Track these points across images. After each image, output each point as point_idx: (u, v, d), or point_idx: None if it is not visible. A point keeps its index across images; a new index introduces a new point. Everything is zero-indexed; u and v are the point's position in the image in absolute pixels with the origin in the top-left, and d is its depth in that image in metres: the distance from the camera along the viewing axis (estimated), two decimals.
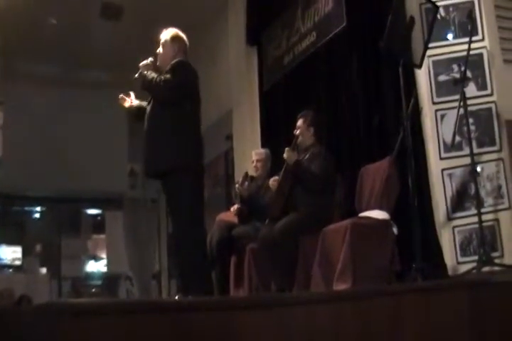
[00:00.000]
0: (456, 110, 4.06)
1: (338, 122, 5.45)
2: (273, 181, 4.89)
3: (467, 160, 4.18)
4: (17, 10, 7.69)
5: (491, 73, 4.44)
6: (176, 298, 4.48)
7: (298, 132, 4.83)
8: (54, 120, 10.15)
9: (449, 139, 4.30)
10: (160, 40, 4.34)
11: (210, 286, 4.05)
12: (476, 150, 4.18)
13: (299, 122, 4.88)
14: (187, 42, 4.37)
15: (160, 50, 4.32)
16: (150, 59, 4.27)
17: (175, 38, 4.33)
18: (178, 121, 4.04)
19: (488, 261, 3.77)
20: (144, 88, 4.17)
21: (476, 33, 4.47)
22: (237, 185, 5.56)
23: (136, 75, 4.19)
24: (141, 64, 4.21)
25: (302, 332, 1.95)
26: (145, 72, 4.13)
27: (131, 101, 4.45)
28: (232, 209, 5.59)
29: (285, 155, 4.64)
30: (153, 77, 4.07)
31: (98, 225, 11.39)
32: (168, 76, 4.04)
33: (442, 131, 4.46)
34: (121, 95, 4.48)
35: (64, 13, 8.12)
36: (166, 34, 4.34)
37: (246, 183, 5.54)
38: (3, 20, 7.90)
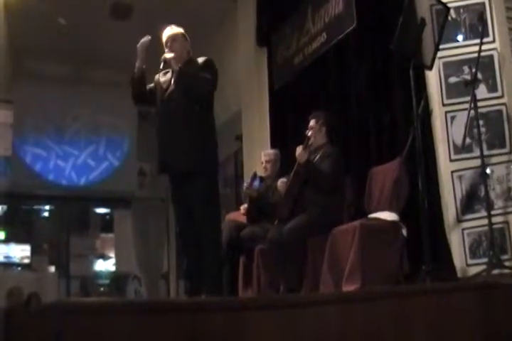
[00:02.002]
0: (466, 112, 4.05)
1: (348, 123, 5.45)
2: (281, 183, 4.90)
3: (477, 162, 4.18)
4: (27, 9, 7.72)
5: (502, 75, 4.42)
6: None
7: (310, 133, 4.83)
8: (64, 119, 10.21)
9: (459, 141, 4.29)
10: (170, 36, 4.24)
11: (220, 287, 4.06)
12: (486, 152, 4.17)
13: (312, 122, 4.88)
14: None
15: (170, 44, 4.21)
16: (170, 51, 4.16)
17: (185, 36, 4.32)
18: (204, 120, 4.06)
19: (497, 263, 3.75)
20: (183, 82, 4.08)
21: (487, 35, 4.45)
22: (245, 185, 5.56)
23: (161, 66, 4.11)
24: (168, 56, 4.08)
25: (311, 332, 1.95)
26: (180, 66, 4.05)
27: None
28: (241, 207, 5.61)
29: (297, 154, 4.64)
30: (194, 73, 4.05)
31: (107, 224, 11.41)
32: (207, 74, 4.04)
33: (452, 132, 4.45)
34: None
35: (74, 13, 8.14)
36: (176, 29, 4.29)
37: (255, 183, 5.54)
38: (13, 19, 7.94)
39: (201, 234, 3.99)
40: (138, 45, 4.19)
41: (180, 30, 4.32)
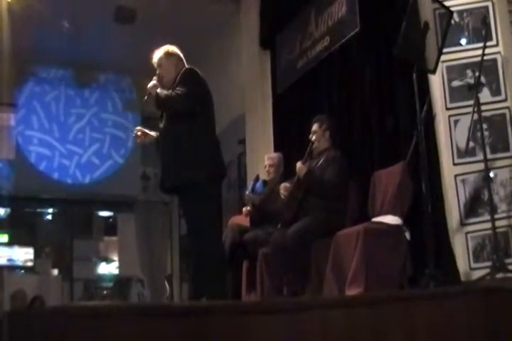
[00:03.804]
0: (469, 116, 4.05)
1: (351, 127, 5.45)
2: (284, 187, 4.89)
3: (480, 166, 4.17)
4: (30, 12, 7.74)
5: (505, 79, 4.41)
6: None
7: (314, 137, 4.83)
8: (66, 122, 10.25)
9: (462, 145, 4.29)
10: (155, 63, 4.30)
11: (224, 290, 4.07)
12: (489, 156, 4.16)
13: (315, 126, 4.87)
14: (180, 53, 4.35)
15: (159, 71, 4.29)
16: (155, 78, 4.23)
17: (168, 53, 4.32)
18: (196, 132, 4.06)
19: (501, 267, 3.75)
20: (160, 106, 4.15)
21: (490, 39, 4.45)
22: (247, 193, 5.58)
23: (146, 97, 4.18)
24: (148, 86, 4.16)
25: (314, 336, 1.95)
26: (156, 92, 4.10)
27: (145, 135, 4.36)
28: (244, 209, 5.60)
29: (297, 169, 4.67)
30: (166, 94, 4.07)
31: (110, 227, 11.40)
32: (181, 89, 4.04)
33: (456, 136, 4.44)
34: (135, 131, 4.39)
35: (77, 17, 8.17)
36: (159, 53, 4.32)
37: (257, 186, 5.55)
38: (16, 22, 7.96)
39: (199, 240, 4.01)
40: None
41: (163, 50, 4.33)
